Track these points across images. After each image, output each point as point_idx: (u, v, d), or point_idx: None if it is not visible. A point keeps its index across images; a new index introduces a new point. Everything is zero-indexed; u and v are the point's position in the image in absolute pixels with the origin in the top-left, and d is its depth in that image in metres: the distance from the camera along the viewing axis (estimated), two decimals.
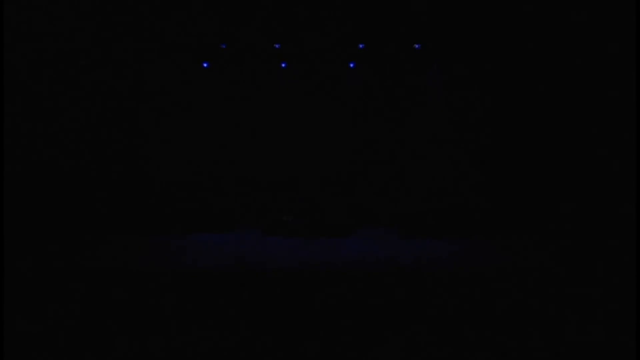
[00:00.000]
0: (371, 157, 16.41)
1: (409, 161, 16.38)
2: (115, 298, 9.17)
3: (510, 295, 9.46)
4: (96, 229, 14.45)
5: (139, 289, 9.66)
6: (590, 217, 14.34)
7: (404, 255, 12.20)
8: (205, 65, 16.04)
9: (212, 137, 16.23)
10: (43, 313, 8.59)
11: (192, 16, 14.83)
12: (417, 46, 15.37)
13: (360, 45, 15.54)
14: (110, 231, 14.56)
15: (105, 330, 7.98)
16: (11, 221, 12.90)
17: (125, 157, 15.51)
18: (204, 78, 16.15)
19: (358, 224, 15.79)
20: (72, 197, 14.57)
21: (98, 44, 14.64)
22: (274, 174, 16.25)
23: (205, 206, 15.67)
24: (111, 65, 14.94)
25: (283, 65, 16.10)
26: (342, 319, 8.36)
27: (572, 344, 7.74)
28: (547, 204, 14.80)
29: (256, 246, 13.40)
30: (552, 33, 14.48)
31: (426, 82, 16.23)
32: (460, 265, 11.63)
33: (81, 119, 14.82)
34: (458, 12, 14.81)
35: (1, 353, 7.37)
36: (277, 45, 15.52)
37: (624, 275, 10.27)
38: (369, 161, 16.41)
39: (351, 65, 16.06)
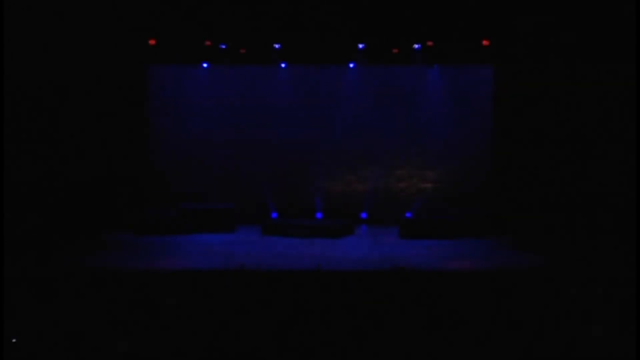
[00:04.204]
0: (371, 157, 16.42)
1: (408, 161, 16.40)
2: (113, 298, 9.16)
3: (510, 295, 9.46)
4: (92, 228, 14.44)
5: (138, 288, 9.65)
6: (591, 218, 14.35)
7: (402, 255, 12.20)
8: (205, 65, 16.06)
9: (214, 136, 16.27)
10: (40, 313, 8.60)
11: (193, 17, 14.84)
12: (417, 46, 15.37)
13: (360, 46, 15.54)
14: (107, 231, 14.55)
15: (104, 331, 7.98)
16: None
17: (124, 157, 15.51)
18: (203, 77, 16.26)
19: (356, 224, 15.81)
20: (69, 195, 14.56)
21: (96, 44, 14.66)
22: (274, 173, 16.26)
23: (205, 206, 15.67)
24: (110, 64, 14.94)
25: (283, 65, 16.11)
26: (341, 318, 8.35)
27: (572, 343, 7.74)
28: (547, 205, 14.80)
29: (256, 246, 13.41)
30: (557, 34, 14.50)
31: (426, 82, 16.25)
32: (459, 265, 11.65)
33: (78, 118, 14.84)
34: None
35: (1, 353, 7.37)
36: (277, 46, 15.53)
37: (624, 275, 10.27)
38: (368, 161, 16.42)
39: (351, 65, 16.07)
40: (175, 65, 15.95)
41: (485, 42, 15.01)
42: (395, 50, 15.49)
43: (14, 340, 7.47)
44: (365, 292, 9.63)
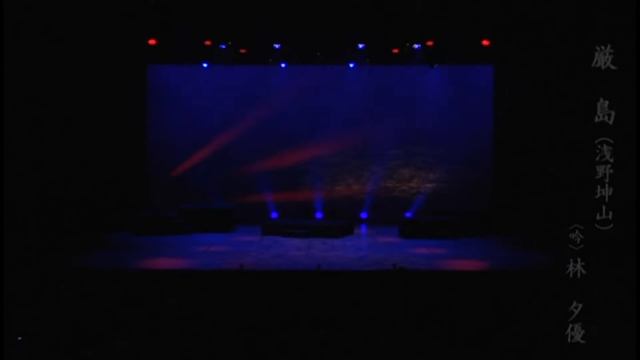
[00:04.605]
0: (371, 157, 16.44)
1: (408, 162, 16.41)
2: (113, 298, 9.16)
3: (510, 295, 9.45)
4: (92, 228, 14.44)
5: (138, 288, 9.65)
6: (591, 217, 14.31)
7: (402, 255, 12.20)
8: (205, 65, 16.06)
9: (214, 136, 16.29)
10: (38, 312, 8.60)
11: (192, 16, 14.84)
12: (417, 46, 15.38)
13: (360, 46, 15.54)
14: (106, 231, 14.55)
15: (103, 330, 7.98)
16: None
17: (124, 157, 15.51)
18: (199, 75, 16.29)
19: (356, 224, 15.82)
20: (69, 195, 14.55)
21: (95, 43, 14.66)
22: (273, 173, 16.28)
23: (205, 206, 15.68)
24: (110, 64, 14.95)
25: (283, 65, 16.11)
26: (341, 318, 8.35)
27: (572, 344, 7.73)
28: (547, 204, 14.80)
29: (256, 246, 13.40)
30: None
31: (426, 82, 16.26)
32: (458, 264, 11.65)
33: (78, 118, 14.83)
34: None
35: (1, 353, 7.37)
36: (277, 46, 15.52)
37: (624, 275, 10.27)
38: (368, 161, 16.43)
39: (351, 65, 16.07)
40: (175, 65, 15.98)
41: (485, 42, 15.01)
42: (395, 50, 15.50)
43: (19, 339, 7.47)
44: (365, 292, 9.62)
